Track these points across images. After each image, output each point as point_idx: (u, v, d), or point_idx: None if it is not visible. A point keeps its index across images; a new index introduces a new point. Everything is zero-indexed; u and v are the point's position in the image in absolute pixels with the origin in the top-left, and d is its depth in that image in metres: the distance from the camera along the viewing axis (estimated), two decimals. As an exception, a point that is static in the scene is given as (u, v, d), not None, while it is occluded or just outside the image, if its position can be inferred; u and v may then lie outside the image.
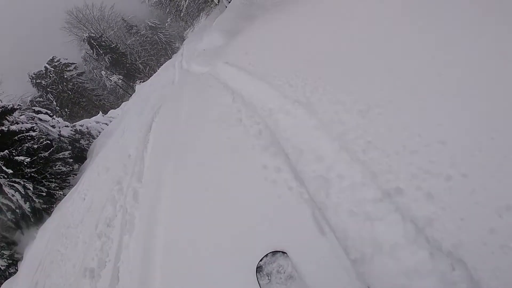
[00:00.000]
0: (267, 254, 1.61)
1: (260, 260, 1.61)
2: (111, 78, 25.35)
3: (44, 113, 11.06)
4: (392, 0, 3.06)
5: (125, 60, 25.89)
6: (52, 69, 23.10)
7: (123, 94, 27.15)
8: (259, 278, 1.58)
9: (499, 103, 1.63)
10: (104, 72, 25.88)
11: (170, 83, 8.66)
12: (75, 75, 24.21)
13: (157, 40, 30.56)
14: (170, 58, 20.90)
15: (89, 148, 11.48)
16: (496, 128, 1.54)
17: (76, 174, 9.31)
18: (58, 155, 8.94)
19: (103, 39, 25.13)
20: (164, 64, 16.43)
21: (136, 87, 18.46)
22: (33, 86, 23.27)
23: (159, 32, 30.77)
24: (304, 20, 4.37)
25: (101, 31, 26.23)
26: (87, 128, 12.93)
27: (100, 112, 16.53)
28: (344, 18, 3.51)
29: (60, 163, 8.75)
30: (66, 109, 23.91)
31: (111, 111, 18.98)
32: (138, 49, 29.38)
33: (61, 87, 23.52)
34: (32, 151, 7.83)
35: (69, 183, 8.70)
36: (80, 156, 10.83)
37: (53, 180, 8.19)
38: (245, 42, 5.52)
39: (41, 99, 23.28)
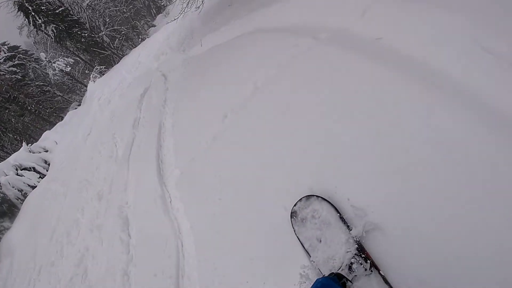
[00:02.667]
0: (301, 199, 1.55)
1: (294, 205, 1.56)
2: (55, 65, 17.59)
3: None
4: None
5: (81, 32, 16.03)
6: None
7: (74, 87, 20.31)
8: (293, 223, 1.54)
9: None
10: (44, 55, 18.55)
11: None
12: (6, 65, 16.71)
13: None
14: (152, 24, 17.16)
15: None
16: None
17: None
18: None
19: (43, 1, 15.30)
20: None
21: (88, 87, 11.70)
22: None
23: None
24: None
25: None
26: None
27: (24, 143, 9.29)
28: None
29: None
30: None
31: (45, 133, 10.57)
32: (103, 12, 18.97)
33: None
34: None
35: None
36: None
37: None
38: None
39: None
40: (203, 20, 6.30)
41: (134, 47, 15.66)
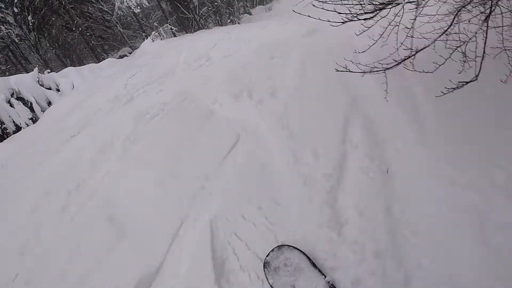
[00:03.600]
0: (273, 249, 1.63)
1: (267, 256, 1.62)
2: None
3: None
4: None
5: None
6: None
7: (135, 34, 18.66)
8: (266, 273, 1.59)
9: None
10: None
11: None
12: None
13: None
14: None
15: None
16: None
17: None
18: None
19: None
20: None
21: (142, 45, 10.33)
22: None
23: None
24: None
25: None
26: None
27: (36, 69, 7.52)
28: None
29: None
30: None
31: (68, 69, 8.64)
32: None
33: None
34: None
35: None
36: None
37: None
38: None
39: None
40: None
41: (219, 25, 14.00)
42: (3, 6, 15.21)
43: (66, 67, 10.79)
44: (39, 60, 16.81)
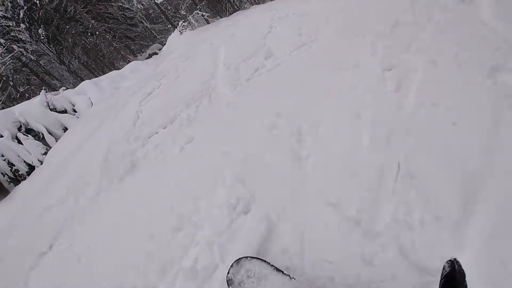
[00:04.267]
0: (232, 265, 1.55)
1: (228, 273, 1.53)
2: None
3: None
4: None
5: None
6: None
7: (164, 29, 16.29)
8: None
9: None
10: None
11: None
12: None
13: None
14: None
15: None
16: None
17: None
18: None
19: None
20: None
21: (169, 40, 8.92)
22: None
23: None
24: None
25: None
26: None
27: (43, 91, 6.43)
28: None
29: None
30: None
31: (84, 83, 7.35)
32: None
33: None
34: None
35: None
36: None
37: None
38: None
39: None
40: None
41: (256, 3, 11.56)
42: (12, 24, 14.23)
43: (95, 75, 9.47)
44: (66, 71, 16.08)
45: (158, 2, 12.85)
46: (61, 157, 4.12)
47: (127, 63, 9.69)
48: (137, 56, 15.49)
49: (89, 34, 14.37)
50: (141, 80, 5.76)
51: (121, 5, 15.73)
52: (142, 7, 14.39)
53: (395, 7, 2.83)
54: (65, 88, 6.32)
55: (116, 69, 9.93)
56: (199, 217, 1.89)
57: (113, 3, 15.68)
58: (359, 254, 1.32)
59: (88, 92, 6.54)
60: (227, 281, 1.50)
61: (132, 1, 13.85)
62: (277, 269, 1.42)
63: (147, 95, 4.32)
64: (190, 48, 5.86)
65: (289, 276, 1.39)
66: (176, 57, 5.80)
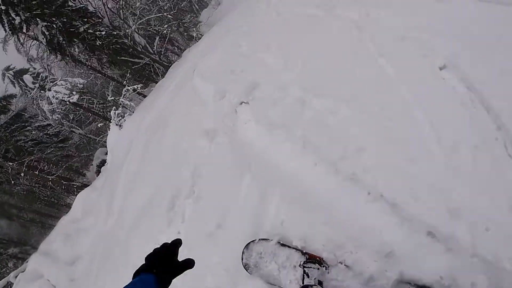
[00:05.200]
0: (243, 251, 1.63)
1: (242, 260, 1.62)
2: (51, 92, 9.54)
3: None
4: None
5: (94, 29, 9.64)
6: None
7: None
8: (251, 272, 1.60)
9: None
10: (30, 78, 10.77)
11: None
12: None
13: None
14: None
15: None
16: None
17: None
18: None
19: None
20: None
21: (108, 139, 6.05)
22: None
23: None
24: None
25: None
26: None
27: None
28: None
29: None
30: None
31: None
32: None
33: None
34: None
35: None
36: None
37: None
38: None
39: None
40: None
41: (182, 50, 10.39)
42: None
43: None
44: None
45: (74, 100, 10.37)
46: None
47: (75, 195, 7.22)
48: (84, 174, 12.93)
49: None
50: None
51: (39, 125, 13.26)
52: (60, 116, 11.84)
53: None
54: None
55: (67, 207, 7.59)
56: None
57: (29, 127, 13.11)
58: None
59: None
60: (244, 267, 1.61)
61: (46, 114, 11.21)
62: (282, 244, 1.58)
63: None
64: (135, 166, 3.83)
65: (295, 248, 1.53)
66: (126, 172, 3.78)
